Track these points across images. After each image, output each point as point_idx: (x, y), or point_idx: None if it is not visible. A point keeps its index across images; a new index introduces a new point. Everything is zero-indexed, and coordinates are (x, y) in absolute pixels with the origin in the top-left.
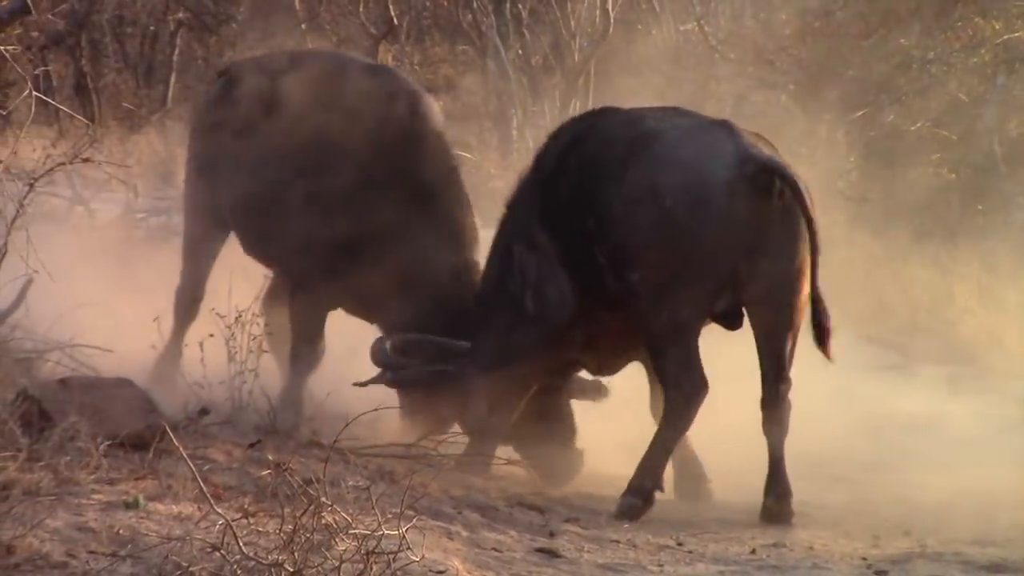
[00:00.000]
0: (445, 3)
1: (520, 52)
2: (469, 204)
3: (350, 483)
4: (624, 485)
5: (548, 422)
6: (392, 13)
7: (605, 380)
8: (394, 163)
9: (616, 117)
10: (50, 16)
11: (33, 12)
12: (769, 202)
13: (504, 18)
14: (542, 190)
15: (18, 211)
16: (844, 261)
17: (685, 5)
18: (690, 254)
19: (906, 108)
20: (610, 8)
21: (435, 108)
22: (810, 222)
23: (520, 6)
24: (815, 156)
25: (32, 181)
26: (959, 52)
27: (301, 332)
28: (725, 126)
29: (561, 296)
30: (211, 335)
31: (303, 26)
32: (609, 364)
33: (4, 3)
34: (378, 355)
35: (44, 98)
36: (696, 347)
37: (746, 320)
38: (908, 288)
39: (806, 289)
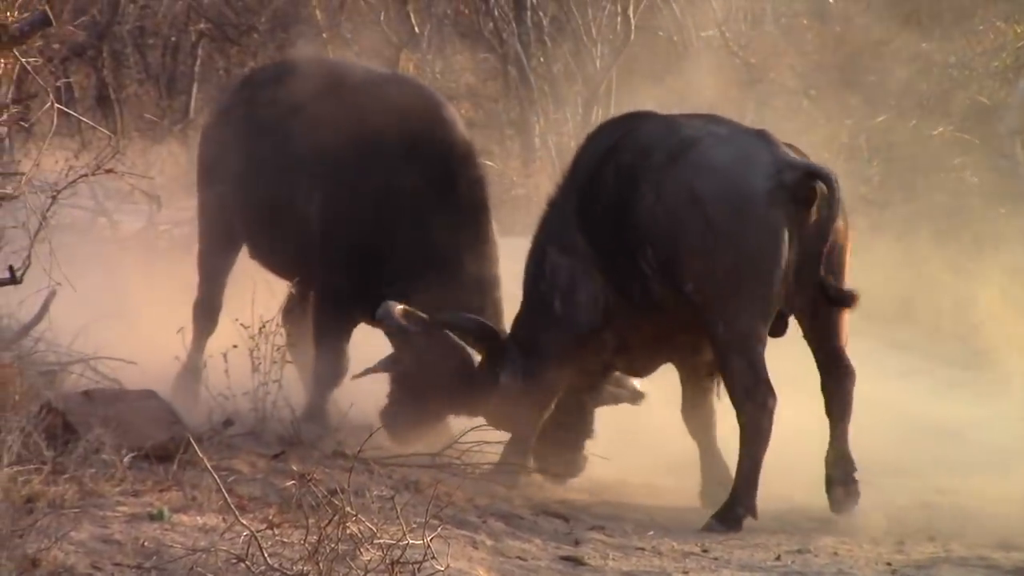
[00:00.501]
0: (466, 11)
1: (542, 60)
2: (490, 215)
3: (375, 493)
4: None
5: (564, 419)
6: (413, 22)
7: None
8: (418, 173)
9: (653, 123)
10: (71, 28)
11: (54, 24)
12: (808, 209)
13: (525, 26)
14: (579, 195)
15: (41, 223)
16: (867, 266)
17: (706, 11)
18: (738, 264)
19: (928, 112)
20: (631, 15)
21: (457, 118)
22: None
23: (541, 14)
24: (837, 161)
25: (55, 193)
26: (981, 56)
27: (325, 345)
28: (762, 135)
29: (592, 300)
30: (235, 346)
31: (324, 35)
32: (641, 367)
33: (25, 15)
34: (390, 317)
35: (66, 110)
36: (761, 354)
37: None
38: (931, 293)
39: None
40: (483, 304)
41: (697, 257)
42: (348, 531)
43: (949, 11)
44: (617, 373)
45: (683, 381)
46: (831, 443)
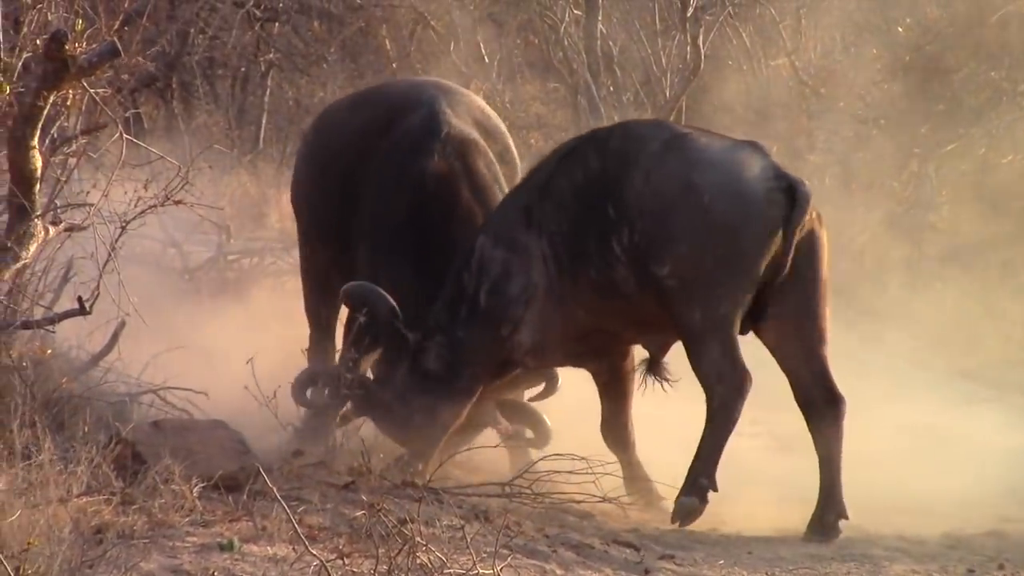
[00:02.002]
0: (536, 41)
1: (611, 89)
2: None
3: (444, 522)
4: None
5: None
6: (483, 52)
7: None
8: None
9: (643, 123)
10: (140, 59)
11: (123, 55)
12: (799, 217)
13: (595, 55)
14: (539, 190)
15: (110, 254)
16: (936, 295)
17: (776, 40)
18: (727, 252)
19: (997, 141)
20: (701, 44)
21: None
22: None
23: (611, 43)
24: (906, 191)
25: (124, 223)
26: None
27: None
28: (755, 145)
29: (520, 294)
30: None
31: (394, 65)
32: (548, 364)
33: (93, 46)
34: (299, 394)
35: (135, 140)
36: (735, 339)
37: None
38: (1000, 322)
39: (828, 309)
40: None
41: (682, 242)
42: (418, 561)
43: (1018, 40)
44: None
45: (602, 394)
46: (823, 483)
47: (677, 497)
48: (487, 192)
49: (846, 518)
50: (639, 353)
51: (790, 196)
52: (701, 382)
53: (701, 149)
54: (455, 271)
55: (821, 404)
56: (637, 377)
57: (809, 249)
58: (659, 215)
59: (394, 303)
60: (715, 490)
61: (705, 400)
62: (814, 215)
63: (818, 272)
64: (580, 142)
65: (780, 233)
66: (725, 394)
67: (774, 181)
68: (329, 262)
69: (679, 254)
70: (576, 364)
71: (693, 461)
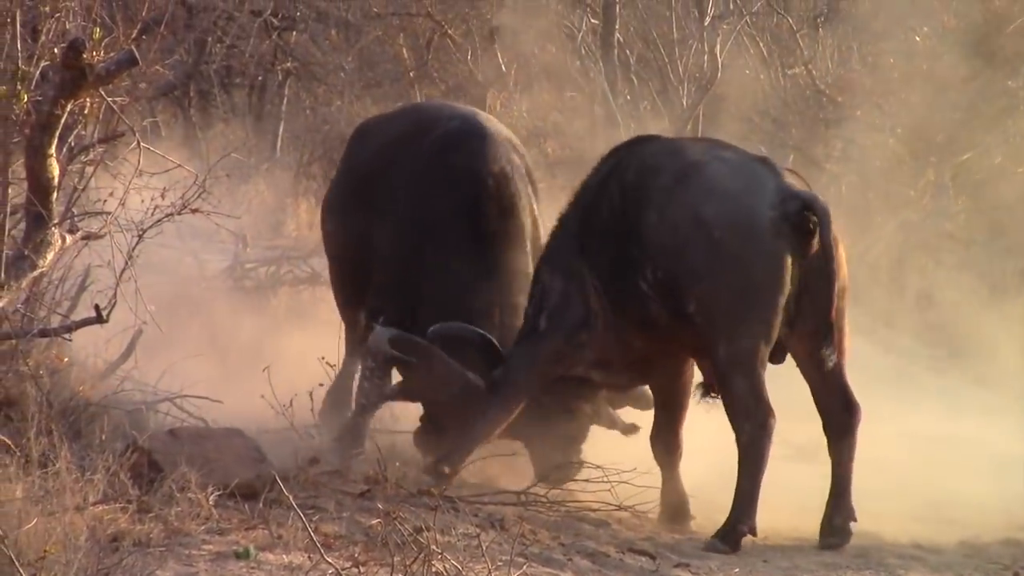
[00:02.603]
0: (553, 50)
1: (628, 98)
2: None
3: (460, 531)
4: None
5: (556, 422)
6: (500, 60)
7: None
8: (446, 204)
9: (658, 145)
10: (158, 67)
11: (140, 63)
12: (809, 239)
13: (612, 64)
14: (581, 215)
15: (127, 262)
16: (952, 303)
17: (792, 49)
18: (744, 288)
19: (1014, 149)
20: (718, 53)
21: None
22: (831, 254)
23: (628, 52)
24: (923, 199)
25: (141, 232)
26: None
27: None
28: (765, 161)
29: (577, 321)
30: (320, 384)
31: (411, 74)
32: (618, 384)
33: (111, 55)
34: (379, 348)
35: (152, 149)
36: (761, 375)
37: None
38: (1016, 330)
39: (846, 320)
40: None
41: (701, 279)
42: (434, 569)
43: None
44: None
45: (658, 407)
46: (833, 486)
47: (714, 535)
48: (531, 188)
49: (854, 520)
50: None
51: (802, 216)
52: (729, 418)
53: (710, 179)
54: (529, 299)
55: (838, 412)
56: (693, 396)
57: (826, 261)
58: (676, 252)
59: (485, 335)
60: (754, 535)
61: (735, 437)
62: (829, 224)
63: (833, 284)
64: (607, 172)
65: (794, 258)
66: (752, 432)
67: (783, 205)
68: (360, 265)
69: (700, 290)
70: (643, 382)
71: (733, 503)
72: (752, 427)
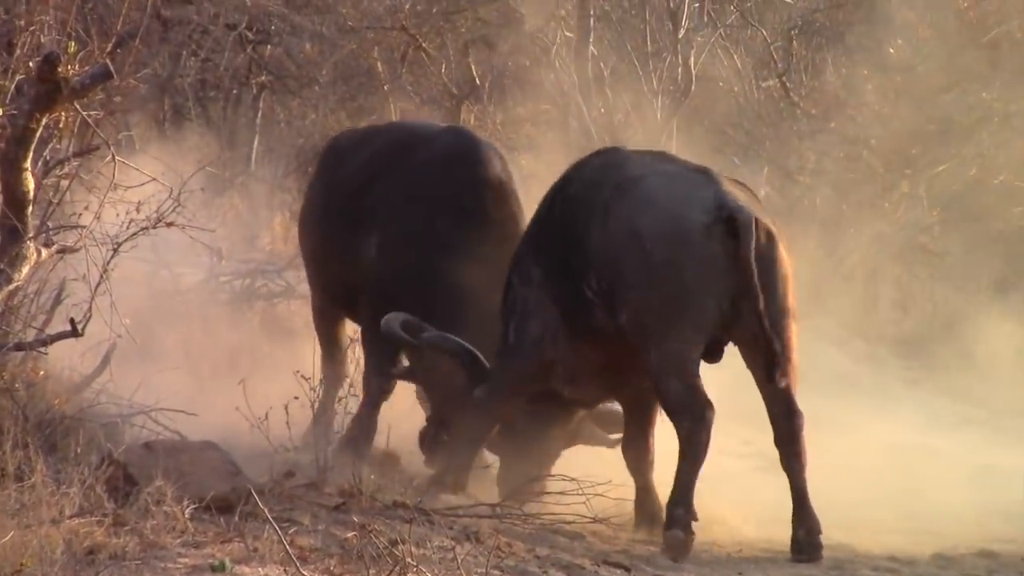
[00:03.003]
0: (527, 63)
1: (602, 111)
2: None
3: (435, 543)
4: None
5: (529, 441)
6: (475, 73)
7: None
8: (451, 212)
9: (603, 159)
10: (132, 81)
11: (115, 77)
12: (741, 247)
13: (586, 77)
14: (538, 227)
15: (102, 275)
16: (926, 315)
17: (767, 62)
18: (673, 293)
19: (988, 162)
20: (692, 65)
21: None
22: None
23: (602, 65)
24: (897, 211)
25: (116, 245)
26: None
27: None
28: (705, 172)
29: (541, 331)
30: (296, 397)
31: (386, 87)
32: (590, 397)
33: (86, 68)
34: (391, 330)
35: (127, 162)
36: (696, 373)
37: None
38: (990, 341)
39: (794, 327)
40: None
41: (633, 289)
42: None
43: (1009, 60)
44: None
45: (626, 417)
46: (793, 502)
47: (663, 531)
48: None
49: (819, 532)
50: None
51: (732, 226)
52: (668, 417)
53: (646, 191)
54: (501, 307)
55: (781, 419)
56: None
57: (763, 270)
58: (613, 263)
59: (472, 350)
60: (695, 519)
61: (676, 432)
62: (763, 236)
63: (775, 292)
64: (559, 185)
65: (727, 265)
66: (690, 426)
67: (715, 213)
68: (337, 278)
69: (632, 299)
70: (609, 396)
71: (670, 494)
72: (690, 421)
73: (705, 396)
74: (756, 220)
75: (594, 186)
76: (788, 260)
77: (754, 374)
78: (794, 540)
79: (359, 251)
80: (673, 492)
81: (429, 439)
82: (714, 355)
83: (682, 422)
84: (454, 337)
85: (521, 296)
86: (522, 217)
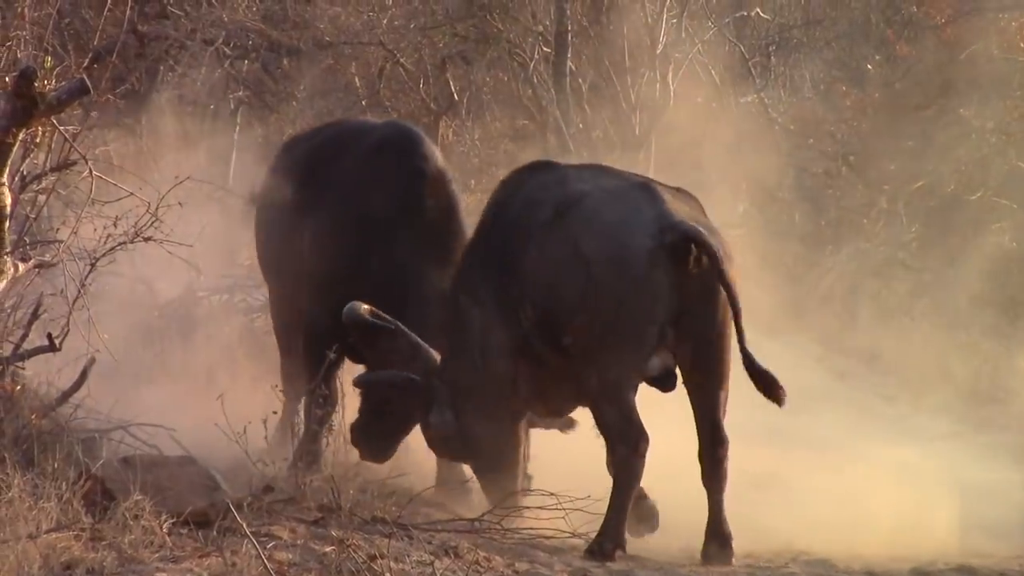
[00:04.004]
0: (505, 78)
1: (581, 126)
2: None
3: (414, 558)
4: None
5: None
6: (452, 89)
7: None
8: (391, 202)
9: (543, 176)
10: (110, 96)
11: (92, 92)
12: (687, 268)
13: (564, 92)
14: (480, 244)
15: (80, 290)
16: (904, 331)
17: (745, 77)
18: (616, 320)
19: (966, 178)
20: (670, 81)
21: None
22: (727, 286)
23: (580, 80)
24: (875, 227)
25: (93, 260)
26: (1018, 121)
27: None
28: (647, 188)
29: (501, 348)
30: (274, 412)
31: (363, 103)
32: (556, 408)
33: (62, 84)
34: (355, 315)
35: (104, 178)
36: (631, 401)
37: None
38: (969, 357)
39: (731, 349)
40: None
41: (577, 313)
42: None
43: (986, 77)
44: None
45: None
46: (709, 515)
47: (586, 549)
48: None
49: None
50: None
51: (678, 246)
52: (605, 441)
53: (588, 213)
54: (451, 323)
55: (707, 444)
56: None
57: (703, 289)
58: (554, 288)
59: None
60: (623, 550)
61: (609, 458)
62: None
63: (714, 311)
64: (500, 201)
65: (672, 288)
66: (625, 454)
67: (659, 237)
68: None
69: (576, 326)
70: (574, 407)
71: (606, 516)
72: (624, 450)
73: (639, 425)
74: (698, 241)
75: (533, 206)
76: (734, 276)
77: (688, 388)
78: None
79: (295, 244)
80: (605, 522)
81: (360, 431)
82: (667, 382)
83: (616, 449)
84: (391, 372)
85: (474, 315)
86: (458, 208)
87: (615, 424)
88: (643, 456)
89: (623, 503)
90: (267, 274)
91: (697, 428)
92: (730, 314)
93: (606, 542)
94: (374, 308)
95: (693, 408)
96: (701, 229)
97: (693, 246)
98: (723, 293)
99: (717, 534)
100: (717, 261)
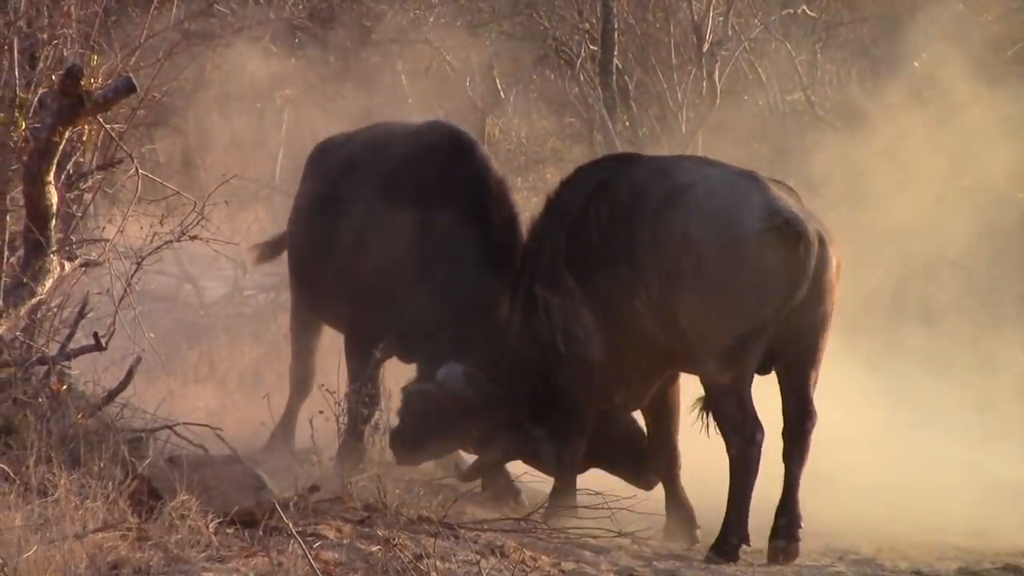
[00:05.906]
0: (552, 77)
1: (627, 124)
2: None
3: (460, 558)
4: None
5: (619, 437)
6: (499, 87)
7: None
8: (448, 208)
9: (646, 167)
10: (156, 94)
11: (139, 90)
12: (796, 252)
13: (611, 90)
14: (567, 235)
15: (126, 289)
16: (952, 328)
17: (791, 75)
18: (727, 303)
19: (1015, 175)
20: (717, 79)
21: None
22: (832, 271)
23: (627, 78)
24: (925, 224)
25: (140, 259)
26: None
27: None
28: (752, 177)
29: (588, 335)
30: (320, 411)
31: (410, 100)
32: (636, 399)
33: (109, 82)
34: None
35: (151, 176)
36: (749, 392)
37: None
38: (1015, 355)
39: (830, 331)
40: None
41: (690, 297)
42: None
43: None
44: None
45: (652, 420)
46: (783, 491)
47: (710, 548)
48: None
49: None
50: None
51: (785, 232)
52: (720, 432)
53: (698, 199)
54: (521, 318)
55: (794, 417)
56: (692, 414)
57: (810, 274)
58: (667, 273)
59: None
60: (747, 545)
61: (726, 450)
62: (815, 243)
63: (821, 296)
64: (592, 191)
65: (782, 271)
66: (740, 445)
67: (767, 220)
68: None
69: (689, 308)
70: (638, 405)
71: (727, 512)
72: (740, 441)
73: (755, 415)
74: (804, 226)
75: (641, 195)
76: (838, 265)
77: (781, 375)
78: (773, 538)
79: (333, 246)
80: (727, 516)
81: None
82: (765, 367)
83: (731, 440)
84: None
85: (555, 305)
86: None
87: (730, 414)
88: (759, 447)
89: (742, 495)
90: (296, 275)
91: (784, 402)
92: (835, 299)
93: (731, 537)
94: (469, 372)
95: (780, 382)
96: (804, 215)
97: (798, 231)
98: (829, 278)
99: (788, 510)
100: (825, 246)
